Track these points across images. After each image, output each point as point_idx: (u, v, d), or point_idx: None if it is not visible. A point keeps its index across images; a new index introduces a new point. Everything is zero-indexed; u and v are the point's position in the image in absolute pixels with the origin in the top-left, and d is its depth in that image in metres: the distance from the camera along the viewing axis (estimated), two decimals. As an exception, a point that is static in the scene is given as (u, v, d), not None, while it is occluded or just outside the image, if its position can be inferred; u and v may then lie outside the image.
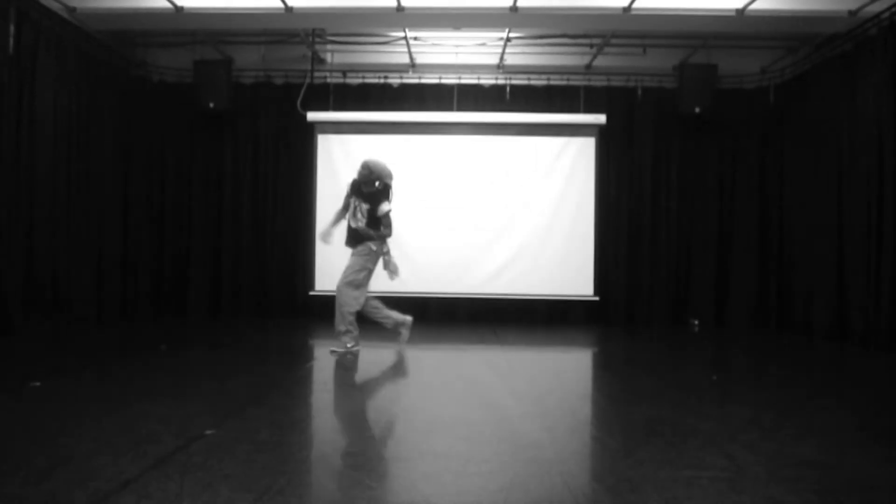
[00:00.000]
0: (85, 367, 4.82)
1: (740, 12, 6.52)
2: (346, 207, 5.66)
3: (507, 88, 8.35)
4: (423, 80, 8.41)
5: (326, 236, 5.78)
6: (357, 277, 5.46)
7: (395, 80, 8.42)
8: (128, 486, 2.28)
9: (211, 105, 7.89)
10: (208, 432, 2.93)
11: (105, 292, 7.43)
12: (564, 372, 5.47)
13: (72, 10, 6.71)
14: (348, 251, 5.56)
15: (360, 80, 8.39)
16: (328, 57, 8.31)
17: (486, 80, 8.41)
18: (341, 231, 5.71)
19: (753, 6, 6.40)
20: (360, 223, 5.46)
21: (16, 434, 2.93)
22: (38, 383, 3.94)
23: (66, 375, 4.38)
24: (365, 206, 5.46)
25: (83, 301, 7.01)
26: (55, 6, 6.55)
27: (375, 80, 8.37)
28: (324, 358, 5.43)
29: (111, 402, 3.57)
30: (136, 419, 3.16)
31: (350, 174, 5.66)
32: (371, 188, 5.47)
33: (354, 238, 5.51)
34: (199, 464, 2.51)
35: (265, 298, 8.34)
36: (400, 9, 6.57)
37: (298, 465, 2.64)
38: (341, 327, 5.46)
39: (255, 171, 8.43)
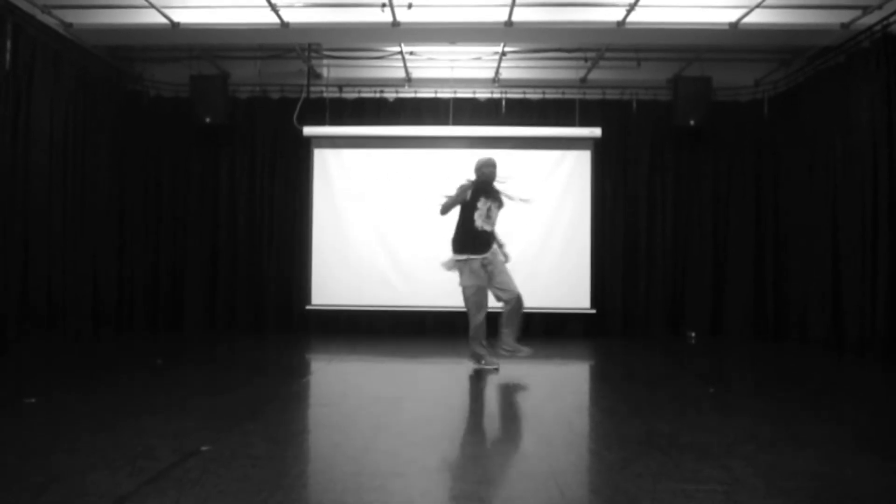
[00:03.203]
0: (80, 382, 4.80)
1: (733, 26, 6.56)
2: (468, 208, 5.38)
3: (503, 102, 8.37)
4: (419, 95, 8.44)
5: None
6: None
7: (390, 95, 8.45)
8: (123, 502, 2.27)
9: (207, 120, 7.89)
10: (204, 448, 2.92)
11: (100, 307, 7.40)
12: (562, 385, 5.46)
13: (68, 25, 6.74)
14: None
15: (356, 95, 8.41)
16: (324, 72, 8.34)
17: (482, 94, 8.44)
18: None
19: (746, 20, 6.45)
20: (493, 226, 5.30)
21: (11, 450, 2.91)
22: (33, 399, 3.92)
23: (61, 391, 4.37)
24: (496, 206, 5.25)
25: (78, 316, 6.98)
26: (52, 22, 6.57)
27: (371, 95, 8.40)
28: (319, 372, 5.42)
29: (107, 417, 3.56)
30: (132, 435, 3.15)
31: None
32: (496, 187, 5.20)
33: (487, 243, 5.36)
34: (194, 479, 2.50)
35: (261, 313, 8.30)
36: (395, 24, 6.61)
37: (294, 480, 2.63)
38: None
39: (252, 186, 8.42)
